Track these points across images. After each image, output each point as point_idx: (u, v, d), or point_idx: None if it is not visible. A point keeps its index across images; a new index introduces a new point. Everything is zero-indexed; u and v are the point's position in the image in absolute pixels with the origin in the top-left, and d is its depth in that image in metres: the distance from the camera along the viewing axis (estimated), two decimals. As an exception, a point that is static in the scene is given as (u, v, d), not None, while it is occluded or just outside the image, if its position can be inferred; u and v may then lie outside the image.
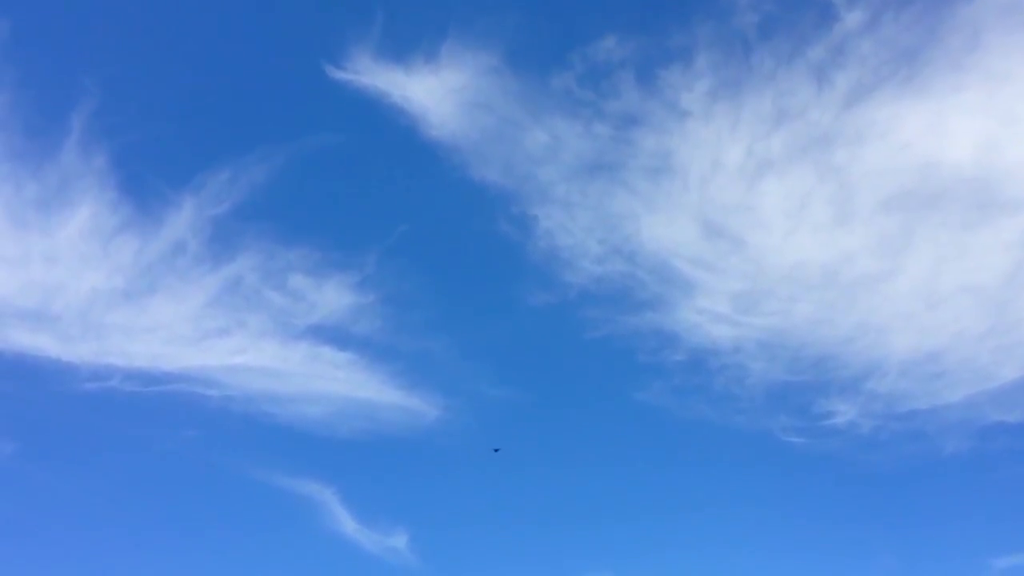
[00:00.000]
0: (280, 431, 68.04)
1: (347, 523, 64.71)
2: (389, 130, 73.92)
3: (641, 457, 70.97)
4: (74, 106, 68.87)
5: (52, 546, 62.59)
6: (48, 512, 63.99)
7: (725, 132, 72.99)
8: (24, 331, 65.24)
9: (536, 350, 74.83)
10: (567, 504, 68.89)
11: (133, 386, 66.03)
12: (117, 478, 66.09)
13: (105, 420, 66.52)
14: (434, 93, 72.37)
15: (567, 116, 73.92)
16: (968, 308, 68.56)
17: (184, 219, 69.91)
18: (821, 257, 71.85)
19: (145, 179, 70.81)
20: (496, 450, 60.91)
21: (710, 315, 71.48)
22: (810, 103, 71.69)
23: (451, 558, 64.74)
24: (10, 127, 67.58)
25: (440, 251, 76.40)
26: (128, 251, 68.84)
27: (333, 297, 71.63)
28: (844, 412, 68.17)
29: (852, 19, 70.25)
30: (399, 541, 64.06)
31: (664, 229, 73.44)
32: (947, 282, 69.64)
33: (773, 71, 72.10)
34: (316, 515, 65.09)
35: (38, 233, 67.70)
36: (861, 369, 69.29)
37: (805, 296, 71.35)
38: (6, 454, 63.61)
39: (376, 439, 68.99)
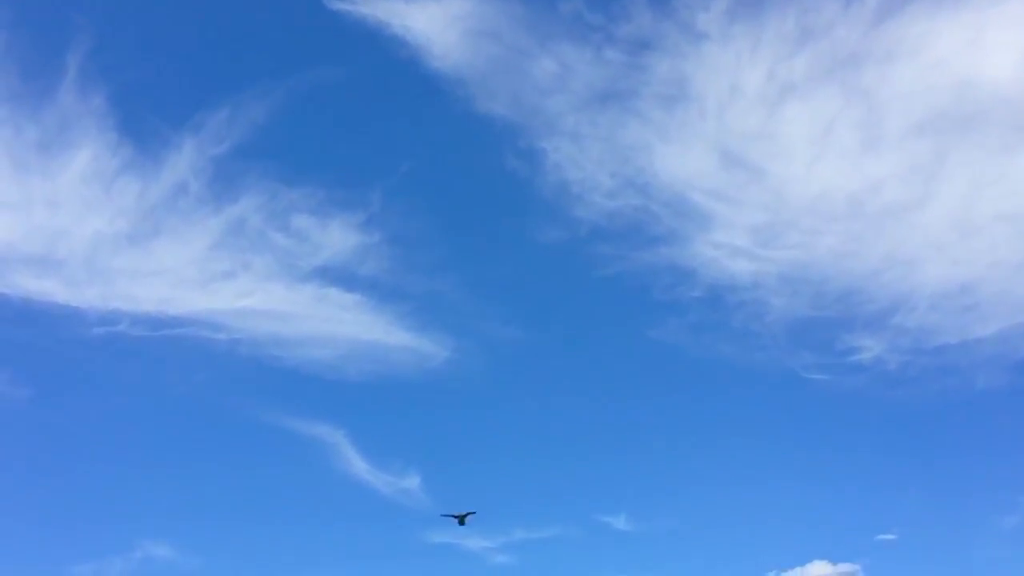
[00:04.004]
0: (289, 374, 67.88)
1: (359, 465, 64.57)
2: (390, 62, 71.92)
3: (657, 397, 69.66)
4: (69, 45, 67.77)
5: (63, 490, 63.46)
6: (59, 457, 64.91)
7: (744, 55, 69.66)
8: (30, 276, 65.33)
9: (547, 288, 73.60)
10: (581, 445, 68.23)
11: (141, 330, 66.07)
12: (127, 422, 66.61)
13: (114, 364, 66.94)
14: (436, 22, 69.93)
15: (576, 42, 70.92)
16: (1004, 237, 65.61)
17: (185, 160, 69.11)
18: (847, 186, 68.85)
19: (144, 119, 70.13)
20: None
21: (728, 249, 69.13)
22: (836, 20, 68.02)
23: (465, 498, 63.98)
24: (6, 69, 66.79)
25: (446, 188, 75.15)
26: (130, 194, 68.28)
27: (338, 237, 70.73)
28: (870, 348, 66.04)
29: (882, -73, 66.17)
30: (412, 482, 63.93)
31: (679, 160, 70.79)
32: (982, 209, 66.60)
33: (796, -14, 68.29)
34: (328, 457, 65.07)
35: (40, 177, 67.45)
36: (888, 303, 66.94)
37: (829, 228, 68.64)
38: (18, 399, 64.27)
39: (386, 381, 68.64)
